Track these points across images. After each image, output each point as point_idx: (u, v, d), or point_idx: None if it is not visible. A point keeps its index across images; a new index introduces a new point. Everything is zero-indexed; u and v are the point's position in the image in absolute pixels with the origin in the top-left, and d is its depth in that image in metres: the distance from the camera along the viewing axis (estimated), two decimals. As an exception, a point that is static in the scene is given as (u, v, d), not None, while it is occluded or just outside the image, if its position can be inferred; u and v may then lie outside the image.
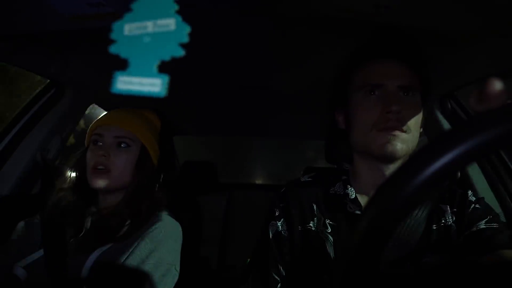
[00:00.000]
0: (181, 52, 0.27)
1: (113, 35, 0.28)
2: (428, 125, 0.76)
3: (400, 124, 0.66)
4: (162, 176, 0.97)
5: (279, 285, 0.73)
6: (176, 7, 0.27)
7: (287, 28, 0.85)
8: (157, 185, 0.95)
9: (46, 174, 1.22)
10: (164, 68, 0.28)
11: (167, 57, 0.27)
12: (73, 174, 0.95)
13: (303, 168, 1.88)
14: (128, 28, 0.28)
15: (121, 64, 0.28)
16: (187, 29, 0.27)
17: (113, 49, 0.28)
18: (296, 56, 1.03)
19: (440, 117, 1.18)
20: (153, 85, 0.27)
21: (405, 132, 0.66)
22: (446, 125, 1.17)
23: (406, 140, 0.66)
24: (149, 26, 0.27)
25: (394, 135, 0.66)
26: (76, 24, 0.75)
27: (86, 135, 0.95)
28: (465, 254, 0.63)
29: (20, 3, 0.71)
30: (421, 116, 0.70)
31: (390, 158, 0.67)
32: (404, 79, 0.68)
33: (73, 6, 0.68)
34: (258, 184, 3.55)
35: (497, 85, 0.30)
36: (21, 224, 0.90)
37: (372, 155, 0.69)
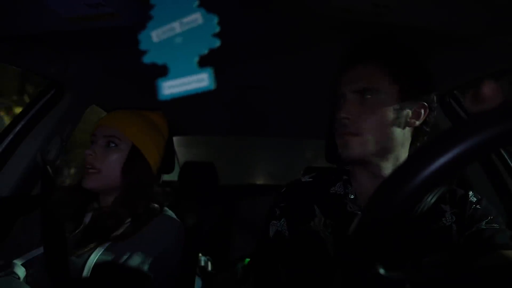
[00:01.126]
0: (217, 42, 0.27)
1: (143, 46, 0.28)
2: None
3: (349, 128, 0.68)
4: (162, 176, 0.97)
5: (279, 285, 0.73)
6: (197, 1, 0.27)
7: (287, 28, 0.85)
8: (157, 185, 0.95)
9: (46, 175, 1.22)
10: (200, 60, 0.28)
11: (205, 51, 0.27)
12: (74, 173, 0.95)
13: (303, 168, 1.88)
14: (156, 34, 0.28)
15: (157, 70, 0.28)
16: (215, 18, 0.27)
17: (146, 59, 0.28)
18: (296, 56, 1.03)
19: (441, 116, 1.18)
20: (200, 80, 0.27)
21: (356, 135, 0.68)
22: (446, 124, 1.17)
23: (359, 143, 0.68)
24: (176, 26, 0.27)
25: (346, 140, 0.69)
26: (75, 25, 0.75)
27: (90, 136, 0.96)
28: (465, 255, 0.63)
29: (19, 4, 0.71)
30: (390, 115, 0.68)
31: (353, 161, 0.72)
32: (361, 83, 0.69)
33: (73, 7, 0.68)
34: (258, 184, 3.55)
35: (492, 86, 0.30)
36: (20, 221, 0.90)
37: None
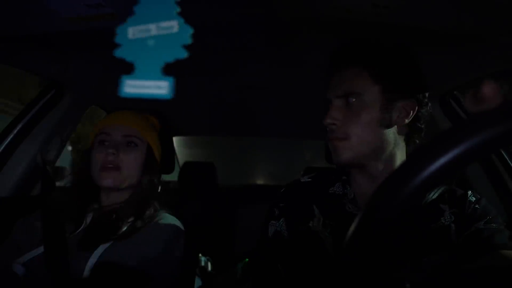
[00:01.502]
0: (184, 54, 0.27)
1: (118, 39, 0.28)
2: (428, 124, 0.75)
3: (336, 133, 0.69)
4: (162, 176, 0.97)
5: (278, 285, 0.73)
6: (178, 9, 0.27)
7: (287, 28, 0.86)
8: (160, 185, 0.96)
9: (46, 175, 1.23)
10: (165, 68, 0.28)
11: (171, 59, 0.27)
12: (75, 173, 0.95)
13: (302, 169, 1.88)
14: (132, 31, 0.28)
15: (125, 67, 0.28)
16: (190, 31, 0.27)
17: (118, 52, 0.28)
18: (295, 55, 1.03)
19: (441, 115, 1.18)
20: (159, 87, 0.27)
21: (344, 139, 0.69)
22: (446, 124, 1.17)
23: (347, 147, 0.69)
24: (153, 29, 0.27)
25: (334, 145, 0.70)
26: (75, 25, 0.76)
27: (90, 135, 0.95)
28: (464, 255, 0.63)
29: (19, 4, 0.71)
30: (375, 117, 0.68)
31: (344, 165, 0.73)
32: (344, 87, 0.70)
33: (73, 8, 0.68)
34: (258, 185, 3.56)
35: (492, 86, 0.30)
36: (21, 221, 0.90)
37: None
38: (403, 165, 0.28)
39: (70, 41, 0.97)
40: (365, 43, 0.72)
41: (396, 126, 0.70)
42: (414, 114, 0.70)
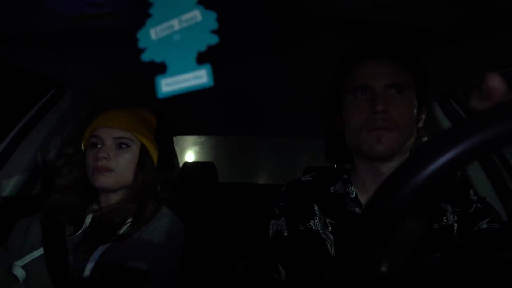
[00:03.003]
0: (215, 39, 0.27)
1: (141, 44, 0.28)
2: (429, 123, 0.76)
3: (387, 123, 0.67)
4: (162, 175, 0.97)
5: (279, 285, 0.73)
6: None
7: (287, 28, 0.85)
8: (159, 185, 0.95)
9: (47, 175, 1.22)
10: (198, 57, 0.28)
11: (203, 48, 0.27)
12: (72, 174, 0.95)
13: (302, 168, 1.88)
14: (154, 32, 0.28)
15: (157, 68, 0.28)
16: (213, 15, 0.27)
17: (145, 57, 0.28)
18: (296, 55, 1.03)
19: (441, 115, 1.18)
20: (198, 77, 0.27)
21: (394, 130, 0.67)
22: (446, 123, 1.17)
23: (395, 138, 0.67)
24: (175, 24, 0.27)
25: (382, 135, 0.67)
26: (75, 25, 0.75)
27: (83, 138, 0.94)
28: (466, 254, 0.63)
29: (19, 4, 0.71)
30: (414, 113, 0.70)
31: (381, 157, 0.69)
32: (392, 78, 0.69)
33: (73, 7, 0.68)
34: (258, 184, 3.56)
35: (496, 78, 0.30)
36: (20, 223, 0.90)
37: (366, 156, 0.71)
38: (405, 163, 0.28)
39: (70, 41, 0.97)
40: (403, 40, 0.73)
41: (418, 126, 0.72)
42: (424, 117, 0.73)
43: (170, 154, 1.03)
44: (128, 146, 0.89)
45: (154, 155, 0.94)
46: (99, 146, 0.88)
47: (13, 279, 0.79)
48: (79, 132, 0.97)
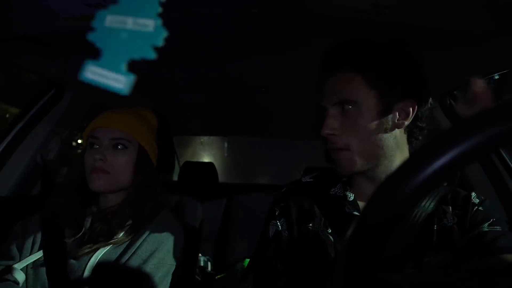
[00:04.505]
0: (152, 55, 0.27)
1: (94, 24, 0.28)
2: (428, 124, 0.74)
3: (337, 144, 0.68)
4: (161, 176, 0.97)
5: (279, 285, 0.73)
6: (160, 9, 0.27)
7: (287, 28, 0.85)
8: (158, 186, 0.94)
9: (46, 175, 1.22)
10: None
11: (137, 57, 0.27)
12: (72, 175, 0.94)
13: (302, 168, 1.87)
14: (110, 19, 0.28)
15: (93, 52, 0.28)
16: (163, 34, 0.27)
17: (90, 36, 0.28)
18: (296, 55, 1.03)
19: (440, 116, 1.18)
20: (117, 81, 0.27)
21: (344, 150, 0.67)
22: (446, 124, 1.17)
23: (349, 157, 0.67)
24: (129, 22, 0.27)
25: (337, 156, 0.69)
26: (75, 25, 0.75)
27: (83, 137, 0.94)
28: (467, 257, 0.62)
29: (19, 4, 0.71)
30: (374, 123, 0.66)
31: (347, 176, 0.73)
32: (339, 95, 0.67)
33: (73, 7, 0.68)
34: (258, 184, 3.56)
35: (481, 83, 0.30)
36: (19, 224, 0.90)
37: None
38: (400, 168, 0.28)
39: (70, 41, 0.97)
40: (355, 45, 0.69)
41: (396, 129, 0.68)
42: (414, 114, 0.67)
43: (170, 155, 1.03)
44: (125, 147, 0.88)
45: (154, 156, 0.93)
46: (97, 146, 0.88)
47: (13, 281, 0.78)
48: (81, 132, 0.97)
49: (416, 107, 0.67)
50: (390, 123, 0.67)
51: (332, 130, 0.67)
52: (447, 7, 0.67)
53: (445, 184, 0.74)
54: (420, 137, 0.71)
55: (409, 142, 0.71)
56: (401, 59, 0.68)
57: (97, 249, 0.81)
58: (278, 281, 0.73)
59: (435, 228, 0.67)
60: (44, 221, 0.87)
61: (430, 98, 0.71)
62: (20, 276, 0.79)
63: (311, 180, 0.81)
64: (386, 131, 0.67)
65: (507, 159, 1.08)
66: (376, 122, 0.66)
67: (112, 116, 0.90)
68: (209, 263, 1.57)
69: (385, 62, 0.67)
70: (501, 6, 0.64)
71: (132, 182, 0.89)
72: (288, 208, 0.76)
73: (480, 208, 0.67)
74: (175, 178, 2.10)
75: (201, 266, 1.51)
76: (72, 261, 0.81)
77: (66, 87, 1.24)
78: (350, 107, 0.67)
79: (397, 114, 0.67)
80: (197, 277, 1.32)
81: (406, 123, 0.68)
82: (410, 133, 0.70)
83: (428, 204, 0.68)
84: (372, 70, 0.66)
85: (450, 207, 0.69)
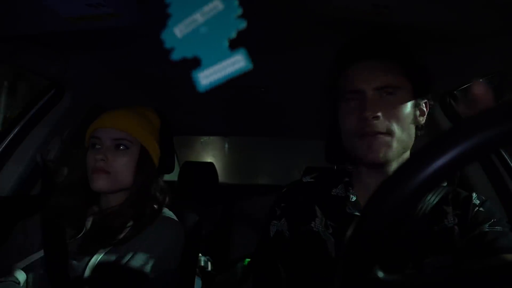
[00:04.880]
0: (243, 23, 0.27)
1: (168, 45, 0.28)
2: (429, 124, 0.74)
3: (379, 128, 0.65)
4: (161, 176, 0.97)
5: (279, 285, 0.73)
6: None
7: (287, 28, 0.85)
8: (159, 186, 0.94)
9: (46, 175, 1.22)
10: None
11: (232, 34, 0.27)
12: (74, 175, 0.94)
13: (303, 168, 1.88)
14: (179, 30, 0.28)
15: (191, 64, 0.28)
16: (235, 1, 0.27)
17: (175, 56, 0.27)
18: (296, 55, 1.03)
19: (441, 115, 1.18)
20: (235, 63, 0.27)
21: (387, 134, 0.66)
22: (446, 123, 1.17)
23: (388, 142, 0.66)
24: (198, 17, 0.27)
25: (374, 141, 0.65)
26: (76, 25, 0.75)
27: (86, 137, 0.94)
28: (467, 258, 0.62)
29: (19, 4, 0.71)
30: (409, 114, 0.68)
31: (375, 164, 0.68)
32: (383, 79, 0.67)
33: (73, 7, 0.68)
34: (258, 184, 3.56)
35: (482, 86, 0.30)
36: (20, 224, 0.90)
37: (362, 161, 0.70)
38: (401, 167, 0.28)
39: (70, 41, 0.97)
40: (395, 38, 0.71)
41: (417, 125, 0.70)
42: (426, 114, 0.71)
43: (171, 155, 1.03)
44: (126, 147, 0.88)
45: (155, 156, 0.93)
46: (98, 147, 0.88)
47: (13, 281, 0.78)
48: (82, 132, 0.97)
49: (428, 108, 0.71)
50: (417, 117, 0.70)
51: (376, 113, 0.65)
52: (447, 7, 0.68)
53: (445, 184, 0.73)
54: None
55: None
56: (422, 60, 0.71)
57: (98, 249, 0.81)
58: (279, 281, 0.73)
59: (436, 228, 0.67)
60: (44, 221, 0.87)
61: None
62: (21, 276, 0.79)
63: (312, 180, 0.81)
64: (414, 123, 0.69)
65: (507, 159, 1.08)
66: (411, 113, 0.68)
67: (114, 116, 0.90)
68: (209, 263, 1.58)
69: (417, 60, 0.70)
70: (501, 6, 0.64)
71: (133, 182, 0.89)
72: (289, 208, 0.76)
73: (481, 208, 0.67)
74: (175, 178, 2.10)
75: (201, 266, 1.51)
76: (73, 261, 0.81)
77: (66, 87, 1.24)
78: (391, 93, 0.67)
79: (420, 110, 0.70)
80: (197, 277, 1.32)
81: (423, 121, 0.71)
82: (417, 133, 0.72)
83: (428, 204, 0.68)
84: (410, 64, 0.69)
85: (451, 208, 0.68)
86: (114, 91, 1.38)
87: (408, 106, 0.68)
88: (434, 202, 0.68)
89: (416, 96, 0.69)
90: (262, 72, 1.17)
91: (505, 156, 1.08)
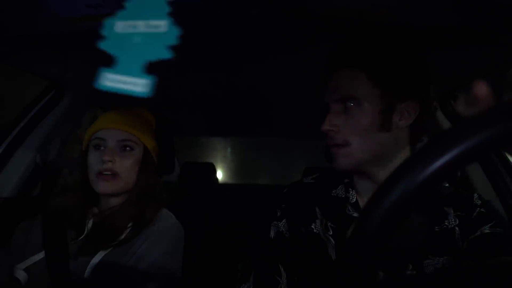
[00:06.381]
0: (168, 55, 0.26)
1: (104, 31, 0.28)
2: (429, 125, 0.74)
3: (335, 140, 0.68)
4: (162, 176, 0.97)
5: (280, 286, 0.72)
6: (168, 9, 0.26)
7: (287, 28, 0.85)
8: (160, 186, 0.94)
9: (47, 176, 1.22)
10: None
11: (154, 59, 0.27)
12: (74, 176, 0.94)
13: (302, 169, 1.87)
14: (120, 25, 0.27)
15: (107, 60, 0.28)
16: (176, 32, 0.26)
17: (102, 45, 0.28)
18: (295, 56, 1.03)
19: (441, 116, 1.18)
20: (135, 84, 0.27)
21: (344, 147, 0.67)
22: (446, 124, 1.17)
23: (347, 153, 0.67)
24: (141, 26, 0.27)
25: (334, 152, 0.69)
26: (75, 26, 0.75)
27: (85, 138, 0.93)
28: (468, 259, 0.62)
29: (19, 4, 0.71)
30: (373, 121, 0.65)
31: (342, 172, 0.72)
32: (343, 90, 0.67)
33: (72, 8, 0.68)
34: (258, 185, 3.56)
35: (484, 87, 0.30)
36: (21, 225, 0.90)
37: None
38: (400, 168, 0.28)
39: (70, 41, 0.97)
40: (361, 43, 0.70)
41: (398, 129, 0.67)
42: (416, 115, 0.67)
43: (171, 155, 1.03)
44: (132, 148, 0.88)
45: (155, 156, 0.93)
46: (103, 148, 0.87)
47: (15, 281, 0.78)
48: (81, 133, 0.97)
49: (419, 108, 0.67)
50: (391, 122, 0.66)
51: (332, 126, 0.68)
52: (447, 7, 0.67)
53: (446, 185, 0.73)
54: (423, 139, 0.71)
55: (412, 143, 0.71)
56: (406, 59, 0.68)
57: (99, 250, 0.81)
58: (279, 282, 0.73)
59: (436, 229, 0.66)
60: (45, 222, 0.87)
61: (435, 101, 0.71)
62: (22, 276, 0.79)
63: (312, 181, 0.81)
64: (387, 130, 0.66)
65: (507, 159, 1.07)
66: (377, 121, 0.66)
67: (118, 117, 0.90)
68: (209, 264, 1.57)
69: (389, 61, 0.67)
70: (501, 6, 0.64)
71: (136, 184, 0.89)
72: (289, 210, 0.76)
73: (482, 209, 0.66)
74: (175, 178, 2.10)
75: (202, 266, 1.51)
76: (74, 262, 0.81)
77: (66, 88, 1.24)
78: (352, 104, 0.67)
79: (399, 114, 0.67)
80: (197, 279, 1.32)
81: (408, 123, 0.67)
82: (413, 134, 0.70)
83: (429, 205, 0.68)
84: (376, 68, 0.66)
85: (452, 209, 0.68)
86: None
87: (374, 114, 0.66)
88: (435, 202, 0.68)
89: (388, 101, 0.66)
90: (262, 72, 1.17)
91: (505, 156, 1.08)
